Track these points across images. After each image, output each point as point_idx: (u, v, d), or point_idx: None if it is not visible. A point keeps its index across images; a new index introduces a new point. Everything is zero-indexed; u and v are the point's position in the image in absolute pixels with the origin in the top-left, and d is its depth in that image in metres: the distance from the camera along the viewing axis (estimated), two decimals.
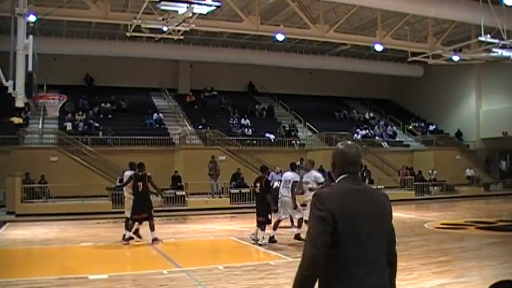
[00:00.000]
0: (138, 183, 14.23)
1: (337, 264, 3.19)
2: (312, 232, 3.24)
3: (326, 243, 3.16)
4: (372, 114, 44.04)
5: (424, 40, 31.89)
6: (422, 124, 43.49)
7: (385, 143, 39.08)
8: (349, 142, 3.66)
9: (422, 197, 31.54)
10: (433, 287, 8.90)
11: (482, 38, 25.79)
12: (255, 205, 14.90)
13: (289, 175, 14.99)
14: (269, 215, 14.29)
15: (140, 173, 14.43)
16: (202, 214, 23.72)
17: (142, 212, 14.13)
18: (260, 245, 13.88)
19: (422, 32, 32.79)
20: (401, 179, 33.39)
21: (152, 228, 14.09)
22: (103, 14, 24.85)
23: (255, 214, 14.49)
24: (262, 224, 14.19)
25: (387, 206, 3.46)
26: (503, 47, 26.36)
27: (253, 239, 14.45)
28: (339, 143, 3.69)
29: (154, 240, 14.00)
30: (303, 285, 3.17)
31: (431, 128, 42.77)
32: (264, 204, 14.31)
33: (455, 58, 31.96)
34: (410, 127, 43.04)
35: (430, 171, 34.43)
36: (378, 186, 30.95)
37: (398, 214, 21.50)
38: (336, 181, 3.49)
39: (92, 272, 10.46)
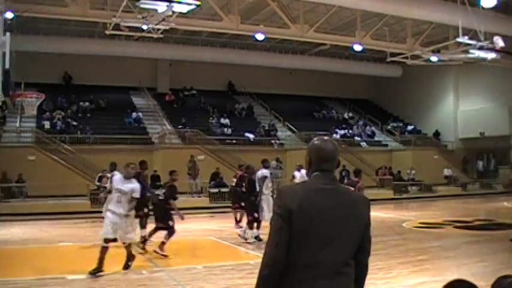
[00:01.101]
0: None
1: (288, 267, 3.00)
2: (271, 230, 3.10)
3: (285, 241, 3.00)
4: (350, 114, 44.27)
5: (403, 41, 32.09)
6: (401, 124, 43.82)
7: (363, 142, 39.28)
8: (325, 137, 3.41)
9: (401, 197, 31.77)
10: (412, 285, 8.97)
11: (460, 40, 26.01)
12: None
13: (261, 172, 15.13)
14: (255, 214, 14.36)
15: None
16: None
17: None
18: (249, 243, 14.01)
19: (401, 33, 33.01)
20: (380, 179, 33.60)
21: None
22: (82, 12, 24.61)
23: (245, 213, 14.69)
24: (249, 223, 14.32)
25: (362, 211, 3.19)
26: (481, 48, 26.63)
27: (242, 237, 14.58)
28: (315, 138, 3.42)
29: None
30: (262, 285, 3.03)
31: (409, 128, 43.11)
32: (250, 203, 14.41)
33: (434, 59, 32.21)
34: (389, 127, 43.34)
35: (409, 171, 34.70)
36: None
37: (377, 213, 21.62)
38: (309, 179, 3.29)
39: (70, 272, 10.37)
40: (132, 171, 10.71)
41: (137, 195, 10.48)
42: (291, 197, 3.09)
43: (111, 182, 10.62)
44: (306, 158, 3.35)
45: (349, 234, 3.08)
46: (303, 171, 15.61)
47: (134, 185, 10.42)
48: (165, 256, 11.97)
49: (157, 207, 13.45)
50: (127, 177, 10.44)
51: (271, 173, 15.57)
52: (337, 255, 3.01)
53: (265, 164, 15.60)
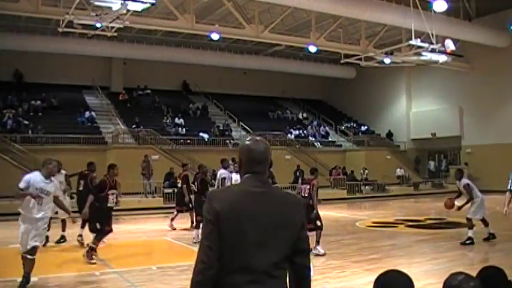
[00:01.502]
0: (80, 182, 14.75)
1: (221, 271, 2.93)
2: (201, 235, 3.06)
3: (215, 246, 2.93)
4: (305, 115, 44.58)
5: (357, 42, 32.46)
6: (355, 125, 44.33)
7: (318, 143, 39.59)
8: (257, 138, 3.29)
9: (354, 196, 32.13)
10: (365, 283, 9.06)
11: (412, 42, 26.46)
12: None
13: (219, 173, 15.17)
14: None
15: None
16: (135, 214, 23.42)
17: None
18: (195, 243, 13.82)
19: (355, 35, 33.41)
20: (333, 179, 33.90)
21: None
22: (33, 8, 24.08)
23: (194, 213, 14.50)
24: (198, 224, 14.20)
25: (294, 213, 3.10)
26: (433, 51, 27.18)
27: (195, 243, 14.17)
28: (247, 139, 3.32)
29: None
30: None
31: (363, 128, 43.66)
32: (201, 204, 14.30)
33: (387, 61, 32.70)
34: (343, 128, 43.80)
35: (362, 171, 35.11)
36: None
37: (331, 213, 21.81)
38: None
39: (20, 275, 10.16)
40: (54, 169, 9.78)
41: (60, 193, 10.23)
42: (220, 201, 3.01)
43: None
44: (238, 159, 3.26)
45: (280, 237, 3.00)
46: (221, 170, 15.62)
47: (56, 183, 9.63)
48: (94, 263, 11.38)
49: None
50: (48, 177, 9.29)
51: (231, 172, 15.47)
52: (268, 259, 2.94)
53: (223, 164, 15.55)
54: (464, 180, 13.97)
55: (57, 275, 10.03)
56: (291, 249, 3.04)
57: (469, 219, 13.59)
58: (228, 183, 14.75)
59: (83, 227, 13.70)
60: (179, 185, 18.73)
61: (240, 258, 2.93)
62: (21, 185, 9.05)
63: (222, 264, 2.94)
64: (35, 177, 9.16)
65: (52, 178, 9.48)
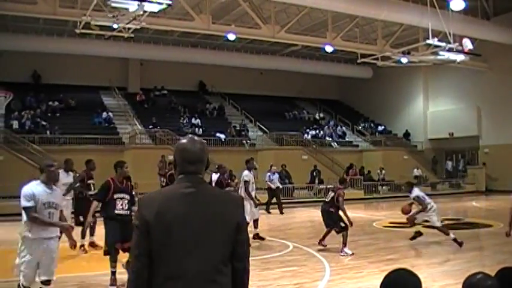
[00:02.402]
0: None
1: (153, 281, 2.87)
2: (132, 243, 2.99)
3: (144, 253, 2.87)
4: (321, 115, 44.47)
5: (374, 42, 32.33)
6: (371, 125, 44.13)
7: (334, 143, 39.47)
8: (195, 137, 3.19)
9: (371, 197, 31.99)
10: (379, 284, 9.02)
11: (429, 41, 26.32)
12: None
13: (244, 174, 15.03)
14: None
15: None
16: None
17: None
18: None
19: (372, 34, 33.26)
20: (350, 179, 33.76)
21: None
22: (51, 10, 24.31)
23: None
24: None
25: (230, 212, 3.01)
26: (450, 50, 26.99)
27: None
28: (182, 138, 3.21)
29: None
30: None
31: (380, 128, 43.46)
32: None
33: (404, 60, 32.50)
34: (360, 128, 43.63)
35: (379, 171, 34.94)
36: (328, 186, 31.27)
37: (348, 213, 21.71)
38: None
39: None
40: (57, 172, 7.62)
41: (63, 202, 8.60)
42: (148, 206, 2.94)
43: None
44: (173, 159, 3.16)
45: (215, 239, 2.91)
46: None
47: (59, 191, 7.64)
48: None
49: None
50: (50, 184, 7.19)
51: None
52: (204, 263, 2.86)
53: (248, 165, 15.32)
54: (414, 192, 13.56)
55: (73, 275, 10.09)
56: (229, 251, 2.95)
57: (438, 228, 13.61)
58: (251, 187, 14.69)
59: (83, 237, 12.89)
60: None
61: (171, 264, 2.86)
62: (27, 203, 6.82)
63: (156, 271, 2.88)
64: (37, 189, 7.01)
65: (54, 186, 7.37)
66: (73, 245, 7.69)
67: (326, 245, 13.10)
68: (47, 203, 6.96)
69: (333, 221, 12.82)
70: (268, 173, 24.61)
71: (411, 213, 13.66)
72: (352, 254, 12.23)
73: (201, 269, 2.84)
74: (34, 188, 7.01)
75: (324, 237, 13.27)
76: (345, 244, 12.38)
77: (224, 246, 2.93)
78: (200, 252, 2.86)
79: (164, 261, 2.87)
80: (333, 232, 12.77)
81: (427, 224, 13.90)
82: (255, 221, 14.76)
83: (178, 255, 2.85)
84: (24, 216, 6.90)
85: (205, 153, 3.13)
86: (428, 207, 13.43)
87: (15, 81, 33.78)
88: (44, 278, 7.03)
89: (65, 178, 12.54)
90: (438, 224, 13.54)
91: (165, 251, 2.87)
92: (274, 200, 23.92)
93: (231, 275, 2.96)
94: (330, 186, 14.07)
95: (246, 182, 14.62)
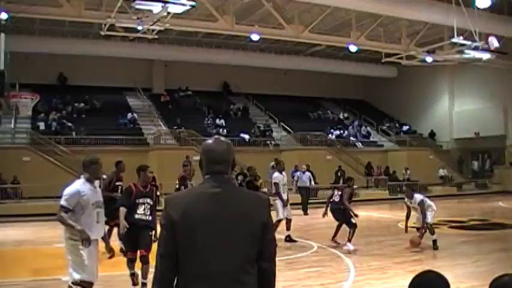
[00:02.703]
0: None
1: (179, 280, 2.92)
2: (157, 242, 3.02)
3: (169, 253, 2.90)
4: (345, 115, 44.32)
5: (398, 41, 32.11)
6: (396, 124, 43.86)
7: (359, 143, 39.31)
8: (221, 138, 3.26)
9: (396, 197, 31.72)
10: (407, 285, 8.96)
11: (455, 40, 26.05)
12: None
13: (274, 176, 15.22)
14: None
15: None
16: None
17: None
18: None
19: (396, 33, 33.03)
20: (375, 179, 33.63)
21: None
22: (76, 13, 24.57)
23: None
24: None
25: (256, 212, 3.01)
26: (476, 48, 26.67)
27: None
28: (208, 139, 3.29)
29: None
30: None
31: (404, 128, 43.17)
32: None
33: (429, 59, 32.25)
34: (384, 127, 43.39)
35: (404, 171, 34.69)
36: (354, 186, 31.16)
37: (373, 214, 21.65)
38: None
39: (65, 274, 10.34)
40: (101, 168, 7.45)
41: None
42: (174, 206, 2.98)
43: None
44: (199, 160, 3.23)
45: (241, 239, 2.91)
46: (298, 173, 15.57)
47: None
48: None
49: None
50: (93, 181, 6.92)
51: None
52: (229, 263, 2.86)
53: (278, 167, 15.38)
54: (418, 198, 12.96)
55: (100, 274, 10.16)
56: (255, 252, 2.95)
57: (427, 225, 13.04)
58: (281, 189, 14.68)
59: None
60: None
61: (197, 264, 2.87)
62: (67, 202, 6.47)
63: (182, 270, 2.91)
64: (84, 189, 6.56)
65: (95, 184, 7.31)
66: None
67: (339, 243, 13.19)
68: (95, 202, 6.66)
69: (345, 217, 13.22)
70: (298, 172, 24.62)
71: (417, 236, 12.99)
72: (355, 250, 12.57)
73: (226, 269, 2.85)
74: (81, 187, 6.59)
75: (335, 234, 13.65)
76: (349, 240, 12.82)
77: (250, 247, 2.93)
78: (226, 252, 2.87)
79: (190, 261, 2.88)
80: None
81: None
82: (288, 222, 14.77)
83: (204, 254, 2.87)
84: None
85: (230, 154, 3.16)
86: (430, 210, 13.06)
87: (42, 83, 34.11)
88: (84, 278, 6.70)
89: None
90: (429, 221, 13.01)
91: (190, 251, 2.88)
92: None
93: (258, 275, 2.95)
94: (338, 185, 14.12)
95: (276, 184, 14.77)
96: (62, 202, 6.47)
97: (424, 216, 12.72)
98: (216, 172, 3.08)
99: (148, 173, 9.35)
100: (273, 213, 13.83)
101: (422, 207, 12.73)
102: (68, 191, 6.56)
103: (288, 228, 14.77)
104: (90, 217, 6.54)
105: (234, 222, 2.92)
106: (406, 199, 13.19)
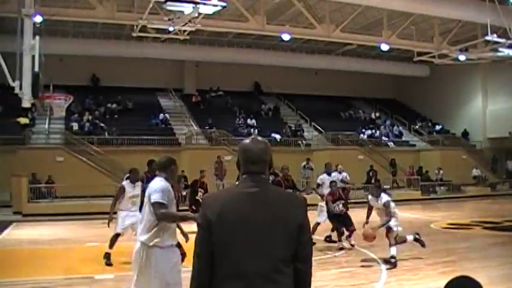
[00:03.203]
0: None
1: (214, 279, 2.93)
2: (195, 241, 3.05)
3: (206, 252, 2.92)
4: (377, 114, 43.98)
5: (430, 40, 31.84)
6: (429, 124, 43.42)
7: (391, 143, 39.02)
8: (258, 138, 3.23)
9: (429, 197, 31.48)
10: (439, 287, 8.89)
11: (488, 38, 25.76)
12: None
13: (321, 177, 15.42)
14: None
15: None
16: None
17: None
18: None
19: (429, 32, 32.74)
20: (407, 179, 33.36)
21: None
22: (109, 14, 24.91)
23: None
24: None
25: (293, 213, 2.98)
26: (510, 46, 26.32)
27: None
28: (245, 138, 3.27)
29: None
30: None
31: (437, 127, 42.71)
32: None
33: (462, 58, 31.90)
34: (417, 127, 42.98)
35: (436, 171, 34.34)
36: (384, 187, 30.95)
37: (405, 214, 21.46)
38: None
39: (98, 272, 10.50)
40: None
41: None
42: (211, 206, 2.99)
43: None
44: (237, 160, 3.20)
45: (277, 239, 2.90)
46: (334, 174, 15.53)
47: None
48: None
49: None
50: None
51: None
52: (265, 263, 2.86)
53: (326, 168, 15.48)
54: (384, 198, 11.66)
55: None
56: (291, 252, 2.93)
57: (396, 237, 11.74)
58: (324, 191, 14.62)
59: None
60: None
61: (232, 263, 2.89)
62: (163, 199, 6.03)
63: (218, 270, 2.92)
64: (169, 187, 6.29)
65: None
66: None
67: (354, 244, 13.19)
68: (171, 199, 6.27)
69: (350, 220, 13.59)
70: (334, 173, 24.61)
71: (376, 226, 11.63)
72: (352, 246, 13.19)
73: (261, 269, 2.85)
74: (164, 183, 6.21)
75: (349, 235, 13.61)
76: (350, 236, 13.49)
77: (285, 247, 2.91)
78: (261, 252, 2.87)
79: (225, 260, 2.90)
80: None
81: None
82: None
83: (240, 254, 2.88)
84: (148, 222, 6.05)
85: (267, 154, 3.15)
86: (395, 216, 11.84)
87: (75, 85, 34.54)
88: None
89: (133, 190, 11.31)
90: (396, 229, 11.75)
91: (226, 250, 2.90)
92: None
93: (293, 276, 2.94)
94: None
95: (319, 185, 15.06)
96: (158, 199, 5.95)
97: (390, 217, 11.49)
98: (253, 172, 3.08)
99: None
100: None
101: (388, 209, 11.52)
102: (158, 187, 6.10)
103: (332, 230, 14.69)
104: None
105: (270, 223, 2.92)
106: (370, 197, 12.06)
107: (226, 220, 2.92)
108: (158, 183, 6.14)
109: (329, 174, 15.15)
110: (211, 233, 2.92)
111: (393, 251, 11.34)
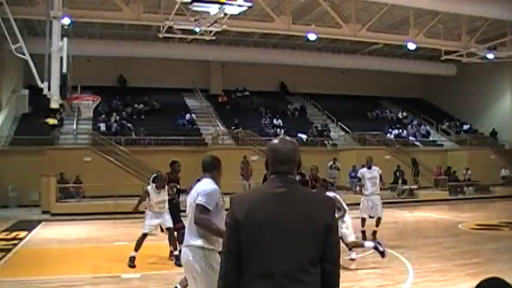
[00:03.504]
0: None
1: (242, 278, 2.94)
2: (223, 240, 3.10)
3: (234, 251, 2.94)
4: (404, 114, 43.64)
5: (458, 38, 31.54)
6: (457, 123, 42.96)
7: (418, 142, 38.70)
8: (286, 138, 3.25)
9: (456, 197, 31.17)
10: None
11: None
12: None
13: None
14: None
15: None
16: None
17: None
18: None
19: (456, 30, 32.42)
20: (435, 179, 33.06)
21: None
22: (135, 16, 25.13)
23: None
24: None
25: (320, 214, 2.98)
26: None
27: None
28: (274, 138, 3.26)
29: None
30: None
31: (465, 127, 42.22)
32: None
33: (490, 56, 31.56)
34: (444, 126, 42.57)
35: (464, 171, 33.99)
36: (411, 187, 30.75)
37: (432, 215, 21.31)
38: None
39: (124, 271, 10.58)
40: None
41: None
42: (239, 206, 3.01)
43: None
44: (266, 160, 3.21)
45: (304, 239, 2.90)
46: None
47: None
48: None
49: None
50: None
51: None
52: (292, 263, 2.86)
53: (368, 164, 15.36)
54: (332, 195, 11.29)
55: (159, 272, 10.35)
56: (318, 252, 2.93)
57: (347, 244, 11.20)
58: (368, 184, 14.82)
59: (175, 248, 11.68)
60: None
61: (260, 263, 2.89)
62: (209, 204, 5.68)
63: (245, 269, 2.93)
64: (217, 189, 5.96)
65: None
66: None
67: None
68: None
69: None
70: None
71: None
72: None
73: (288, 268, 2.85)
74: (216, 188, 5.90)
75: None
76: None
77: (313, 248, 2.91)
78: (288, 252, 2.87)
79: (253, 260, 2.92)
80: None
81: None
82: (377, 220, 14.80)
83: (267, 254, 2.89)
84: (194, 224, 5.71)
85: (296, 154, 3.15)
86: (345, 214, 11.43)
87: (103, 85, 34.84)
88: None
89: (158, 196, 11.41)
90: (351, 239, 11.38)
91: (254, 250, 2.91)
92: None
93: (321, 277, 2.94)
94: None
95: (360, 179, 15.23)
96: (203, 202, 5.62)
97: (343, 211, 11.18)
98: (281, 172, 3.08)
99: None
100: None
101: (339, 206, 10.95)
102: (207, 189, 5.77)
103: (376, 225, 14.75)
104: (223, 221, 5.36)
105: (298, 223, 2.92)
106: None
107: (254, 220, 2.93)
108: (209, 185, 5.83)
109: (369, 168, 15.04)
110: (239, 233, 2.94)
111: (353, 255, 11.26)
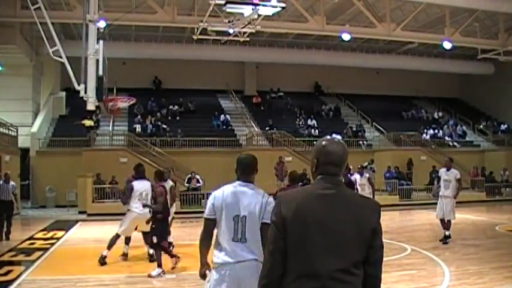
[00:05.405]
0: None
1: (286, 278, 2.94)
2: (268, 239, 3.06)
3: (280, 250, 2.94)
4: (440, 114, 43.13)
5: (495, 36, 31.09)
6: (494, 123, 42.29)
7: (454, 143, 38.21)
8: (335, 138, 3.28)
9: (494, 199, 30.68)
10: None
11: None
12: None
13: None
14: None
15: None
16: None
17: None
18: None
19: (493, 28, 31.96)
20: (471, 180, 32.59)
21: None
22: (170, 18, 25.36)
23: None
24: None
25: (366, 217, 2.99)
26: None
27: None
28: (322, 139, 3.26)
29: None
30: None
31: (503, 127, 41.51)
32: None
33: None
34: (481, 126, 41.94)
35: (502, 172, 33.45)
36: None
37: (469, 216, 21.03)
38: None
39: (147, 271, 10.66)
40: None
41: None
42: (287, 205, 3.00)
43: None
44: (313, 160, 3.19)
45: (349, 242, 2.91)
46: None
47: None
48: None
49: None
50: None
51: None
52: (336, 264, 2.87)
53: (446, 165, 15.28)
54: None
55: (195, 272, 10.40)
56: (363, 255, 2.94)
57: None
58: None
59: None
60: None
61: (305, 263, 2.90)
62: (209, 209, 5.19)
63: (289, 268, 2.94)
64: None
65: None
66: None
67: None
68: None
69: None
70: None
71: None
72: None
73: (332, 270, 2.86)
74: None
75: None
76: None
77: (357, 250, 2.93)
78: (333, 254, 2.88)
79: (297, 260, 2.92)
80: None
81: None
82: (447, 222, 14.66)
83: (312, 254, 2.89)
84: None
85: (347, 156, 3.20)
86: None
87: (138, 87, 35.26)
88: None
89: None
90: None
91: (299, 250, 2.92)
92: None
93: (363, 280, 2.96)
94: None
95: (439, 179, 15.34)
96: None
97: None
98: (330, 174, 3.10)
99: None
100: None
101: None
102: (271, 201, 5.17)
103: (447, 228, 14.62)
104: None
105: (344, 225, 2.94)
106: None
107: (302, 220, 2.94)
108: (270, 197, 5.25)
109: (448, 169, 14.89)
110: (285, 231, 2.95)
111: None
